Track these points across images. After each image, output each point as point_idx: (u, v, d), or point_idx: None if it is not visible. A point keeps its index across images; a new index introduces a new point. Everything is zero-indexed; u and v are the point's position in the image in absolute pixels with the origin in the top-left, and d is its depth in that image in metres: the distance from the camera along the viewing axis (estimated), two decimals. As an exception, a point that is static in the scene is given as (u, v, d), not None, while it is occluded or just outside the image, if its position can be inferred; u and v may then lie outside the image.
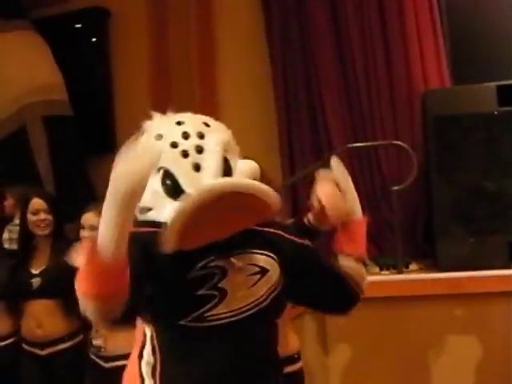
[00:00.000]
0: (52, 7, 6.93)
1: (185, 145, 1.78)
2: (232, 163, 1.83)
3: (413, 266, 4.97)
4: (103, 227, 1.55)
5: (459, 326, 4.56)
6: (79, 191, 5.95)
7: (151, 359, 1.88)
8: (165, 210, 1.74)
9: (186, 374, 1.83)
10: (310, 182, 2.09)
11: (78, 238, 3.76)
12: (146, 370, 1.89)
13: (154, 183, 1.78)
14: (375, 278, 4.72)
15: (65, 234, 4.01)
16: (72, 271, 3.74)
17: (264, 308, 1.88)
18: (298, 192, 5.77)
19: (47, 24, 6.77)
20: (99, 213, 3.66)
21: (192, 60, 6.53)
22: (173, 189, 1.77)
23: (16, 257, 4.01)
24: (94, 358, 3.56)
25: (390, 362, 4.58)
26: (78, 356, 3.75)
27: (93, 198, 6.14)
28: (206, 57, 6.48)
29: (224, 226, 1.74)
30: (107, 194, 1.52)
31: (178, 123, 1.84)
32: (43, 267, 3.89)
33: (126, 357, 3.42)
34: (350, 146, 5.49)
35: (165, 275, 1.76)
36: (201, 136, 1.81)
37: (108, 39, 6.93)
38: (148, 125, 1.89)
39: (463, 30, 5.50)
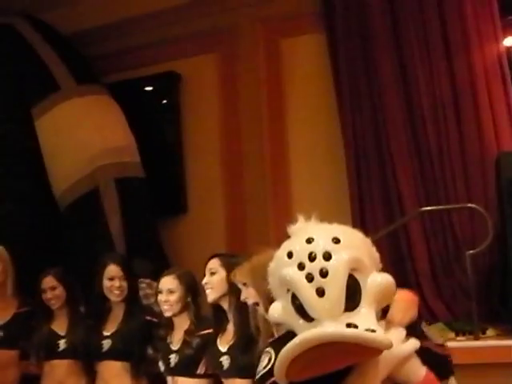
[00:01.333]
0: (125, 72, 7.13)
1: (310, 267, 1.77)
2: (361, 281, 1.80)
3: (490, 332, 4.82)
4: None
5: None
6: (151, 253, 6.00)
7: None
8: (295, 329, 1.80)
9: None
10: None
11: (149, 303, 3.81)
12: None
13: (285, 300, 1.83)
14: (451, 345, 4.58)
15: (138, 297, 4.06)
16: (141, 335, 3.77)
17: None
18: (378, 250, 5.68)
19: (120, 88, 6.96)
20: (177, 276, 3.70)
21: (262, 122, 6.60)
22: (302, 309, 1.78)
23: (91, 318, 4.07)
24: None
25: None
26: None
27: (163, 257, 6.21)
28: (277, 120, 6.54)
29: (334, 364, 1.74)
30: None
31: (308, 241, 1.82)
32: (114, 329, 3.93)
33: None
34: (423, 209, 5.43)
35: None
36: (327, 257, 1.78)
37: (179, 102, 7.07)
38: (291, 232, 1.93)
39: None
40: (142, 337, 3.90)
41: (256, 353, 3.00)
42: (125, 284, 3.96)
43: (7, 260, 4.33)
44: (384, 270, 1.90)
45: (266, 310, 2.09)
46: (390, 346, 1.71)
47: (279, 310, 1.85)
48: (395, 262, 5.67)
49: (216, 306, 3.42)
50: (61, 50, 6.62)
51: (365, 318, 1.75)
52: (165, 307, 3.65)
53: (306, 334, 1.69)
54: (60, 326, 4.17)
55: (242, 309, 3.22)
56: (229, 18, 6.84)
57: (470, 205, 5.27)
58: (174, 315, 3.67)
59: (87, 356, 4.02)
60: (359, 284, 1.79)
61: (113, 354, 3.91)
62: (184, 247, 6.59)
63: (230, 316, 3.35)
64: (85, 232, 6.12)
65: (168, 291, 3.63)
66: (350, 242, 1.85)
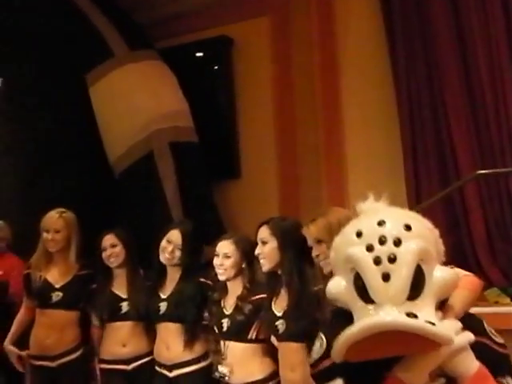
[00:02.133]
0: (177, 38, 7.14)
1: (379, 251, 1.76)
2: (427, 272, 1.79)
3: (545, 297, 4.76)
4: None
5: None
6: (205, 215, 6.05)
7: None
8: (353, 310, 1.80)
9: None
10: None
11: (207, 265, 3.85)
12: None
13: (347, 278, 1.82)
14: (507, 310, 4.56)
15: (195, 261, 4.09)
16: (195, 297, 3.80)
17: None
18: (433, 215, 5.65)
19: (173, 53, 6.99)
20: (234, 242, 3.72)
21: (316, 85, 6.56)
22: (363, 290, 1.77)
23: (149, 280, 4.14)
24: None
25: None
26: (202, 380, 3.80)
27: (218, 221, 6.25)
28: (330, 84, 6.49)
29: (393, 349, 1.74)
30: None
31: (379, 223, 1.82)
32: (170, 292, 3.99)
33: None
34: (479, 172, 5.33)
35: None
36: (397, 242, 1.77)
37: (231, 66, 7.07)
38: (360, 210, 1.93)
39: None
40: (195, 299, 3.94)
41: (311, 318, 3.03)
42: (179, 253, 3.97)
43: (74, 226, 4.39)
44: (440, 235, 1.90)
45: None
46: (450, 342, 1.71)
47: (339, 287, 1.84)
48: (450, 227, 5.61)
49: (270, 272, 3.43)
50: (114, 16, 6.66)
51: (425, 310, 1.75)
52: (219, 271, 3.68)
53: (368, 320, 1.68)
54: (121, 288, 4.23)
55: (298, 274, 3.24)
56: (280, -21, 6.80)
57: (527, 168, 5.18)
58: (228, 280, 3.70)
59: (148, 318, 4.10)
60: (424, 275, 1.78)
61: (169, 317, 3.96)
62: (238, 211, 6.63)
63: (284, 281, 3.36)
64: (140, 197, 6.21)
65: (224, 255, 3.66)
66: (421, 231, 1.84)
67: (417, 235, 1.80)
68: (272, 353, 3.54)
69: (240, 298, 3.63)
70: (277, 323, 3.31)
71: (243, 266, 3.65)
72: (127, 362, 4.14)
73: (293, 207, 6.09)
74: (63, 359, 4.28)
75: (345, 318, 1.84)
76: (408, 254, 1.75)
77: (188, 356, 3.91)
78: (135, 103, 6.24)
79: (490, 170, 5.40)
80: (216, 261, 3.69)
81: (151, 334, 4.11)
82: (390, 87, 6.14)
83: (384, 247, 1.75)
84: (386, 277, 1.73)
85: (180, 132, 6.38)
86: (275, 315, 3.34)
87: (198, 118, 6.62)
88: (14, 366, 4.35)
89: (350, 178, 6.26)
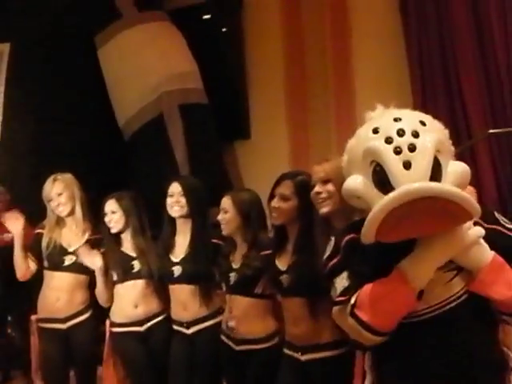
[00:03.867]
0: (187, -1, 7.09)
1: (399, 142, 1.84)
2: (443, 164, 1.87)
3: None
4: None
5: None
6: (215, 177, 6.05)
7: (370, 356, 2.09)
8: (372, 202, 1.85)
9: (397, 371, 1.96)
10: None
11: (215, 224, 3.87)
12: (368, 365, 2.10)
13: (365, 173, 1.90)
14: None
15: (204, 218, 4.10)
16: (209, 258, 3.83)
17: (463, 303, 1.92)
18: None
19: (181, 14, 6.93)
20: (230, 197, 3.74)
21: (326, 44, 6.50)
22: (382, 182, 1.85)
23: (160, 241, 4.15)
24: (225, 339, 3.68)
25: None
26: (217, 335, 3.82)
27: (228, 182, 6.25)
28: (341, 43, 6.42)
29: (423, 227, 1.80)
30: None
31: (395, 120, 1.91)
32: (183, 255, 4.01)
33: (256, 341, 3.56)
34: (492, 131, 5.30)
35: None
36: (415, 134, 1.85)
37: (241, 27, 7.02)
38: (368, 116, 2.05)
39: None
40: (209, 261, 3.96)
41: (316, 271, 3.04)
42: (183, 200, 3.99)
43: (74, 186, 4.40)
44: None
45: None
46: (478, 212, 1.79)
47: (357, 181, 1.92)
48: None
49: (278, 226, 3.42)
50: (122, -23, 6.59)
51: None
52: (222, 226, 3.73)
53: (407, 186, 1.75)
54: (130, 250, 4.25)
55: (309, 232, 3.23)
56: None
57: (539, 126, 5.13)
58: (232, 234, 3.73)
59: (160, 279, 4.12)
60: (441, 166, 1.86)
61: (184, 279, 3.98)
62: (248, 172, 6.64)
63: (292, 236, 3.35)
64: (151, 159, 6.23)
65: (223, 210, 3.71)
66: (435, 126, 1.95)
67: (432, 130, 1.91)
68: (276, 311, 3.56)
69: (246, 253, 3.65)
70: (280, 278, 3.33)
71: (240, 220, 3.67)
72: (140, 323, 4.16)
73: (303, 168, 6.06)
74: (73, 321, 4.30)
75: (355, 223, 2.01)
76: (427, 143, 1.85)
77: (205, 312, 3.96)
78: (144, 65, 6.22)
79: (502, 129, 5.35)
80: (218, 216, 3.73)
81: (163, 294, 4.15)
82: (401, 47, 6.09)
83: (403, 138, 1.85)
84: (407, 164, 1.81)
85: (189, 94, 6.36)
86: (279, 270, 3.35)
87: (207, 80, 6.58)
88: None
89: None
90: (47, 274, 4.36)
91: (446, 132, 1.97)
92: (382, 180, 1.84)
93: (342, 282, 1.98)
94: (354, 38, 6.40)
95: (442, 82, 5.82)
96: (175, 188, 4.04)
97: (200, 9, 7.12)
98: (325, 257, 2.09)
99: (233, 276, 3.70)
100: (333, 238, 2.10)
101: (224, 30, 7.16)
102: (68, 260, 4.31)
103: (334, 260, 2.03)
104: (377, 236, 1.80)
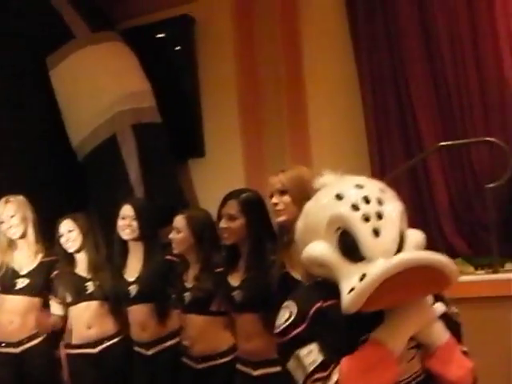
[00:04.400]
0: (138, 18, 7.08)
1: (366, 209, 1.83)
2: (404, 232, 1.88)
3: (508, 265, 4.81)
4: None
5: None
6: (170, 196, 6.07)
7: None
8: (338, 270, 1.83)
9: None
10: None
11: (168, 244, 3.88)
12: None
13: (329, 240, 1.86)
14: (470, 278, 4.61)
15: (156, 239, 4.11)
16: (163, 275, 3.84)
17: (421, 382, 1.91)
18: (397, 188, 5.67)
19: (134, 34, 6.92)
20: (186, 217, 3.77)
21: (279, 63, 6.52)
22: (350, 250, 1.82)
23: (114, 262, 4.14)
24: (185, 359, 3.68)
25: (488, 363, 4.43)
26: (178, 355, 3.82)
27: (183, 201, 6.25)
28: (293, 60, 6.47)
29: (404, 295, 1.79)
30: None
31: (357, 186, 1.89)
32: (138, 274, 4.00)
33: (216, 357, 3.58)
34: (443, 144, 5.35)
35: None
36: (380, 202, 1.86)
37: (194, 46, 7.01)
38: (322, 182, 2.01)
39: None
40: (165, 278, 3.97)
41: (268, 286, 3.06)
42: (135, 223, 4.00)
43: (26, 208, 4.38)
44: (404, 206, 1.98)
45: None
46: (457, 278, 1.79)
47: (322, 249, 1.87)
48: (414, 198, 5.67)
49: (229, 246, 3.44)
50: (73, -2, 6.57)
51: None
52: (173, 245, 3.75)
53: (401, 256, 1.75)
54: (84, 271, 4.23)
55: (260, 249, 3.25)
56: (241, -44, 6.76)
57: (488, 138, 5.19)
58: (184, 254, 3.75)
59: (114, 302, 4.10)
60: (404, 234, 1.87)
61: (141, 299, 3.98)
62: (203, 190, 6.63)
63: (244, 253, 3.37)
64: (105, 179, 6.18)
65: (176, 230, 3.72)
66: (393, 194, 1.95)
67: (392, 197, 1.92)
68: (233, 326, 3.57)
69: (199, 273, 3.66)
70: (233, 294, 3.34)
71: (194, 240, 3.69)
72: (93, 344, 4.14)
73: (258, 185, 6.09)
74: (27, 344, 4.27)
75: (317, 288, 1.93)
76: (393, 212, 1.85)
77: (164, 332, 3.98)
78: (97, 85, 6.18)
79: (451, 142, 5.40)
80: (171, 235, 3.75)
81: (119, 315, 4.12)
82: (351, 63, 6.13)
83: (370, 205, 1.84)
84: (376, 232, 1.80)
85: (142, 113, 6.34)
86: (232, 286, 3.36)
87: (161, 99, 6.57)
88: None
89: (314, 155, 6.26)
90: (0, 297, 4.32)
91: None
92: (349, 248, 1.82)
93: (310, 355, 1.84)
94: (307, 57, 6.43)
95: (394, 98, 5.88)
96: (127, 211, 4.06)
97: (154, 28, 7.12)
98: (283, 322, 1.93)
99: (187, 296, 3.71)
100: (291, 302, 1.95)
101: (178, 48, 7.17)
102: (20, 283, 4.29)
103: (299, 329, 1.87)
104: (363, 306, 1.75)
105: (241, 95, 6.68)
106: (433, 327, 1.89)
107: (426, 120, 5.72)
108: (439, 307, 1.93)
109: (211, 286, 3.55)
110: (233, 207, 3.37)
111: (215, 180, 6.42)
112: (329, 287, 1.86)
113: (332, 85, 6.29)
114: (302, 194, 2.79)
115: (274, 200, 3.10)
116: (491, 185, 4.83)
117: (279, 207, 3.07)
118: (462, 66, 5.63)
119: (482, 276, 4.69)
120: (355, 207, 1.83)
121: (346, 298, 1.76)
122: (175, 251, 3.76)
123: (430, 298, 1.91)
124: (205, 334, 3.64)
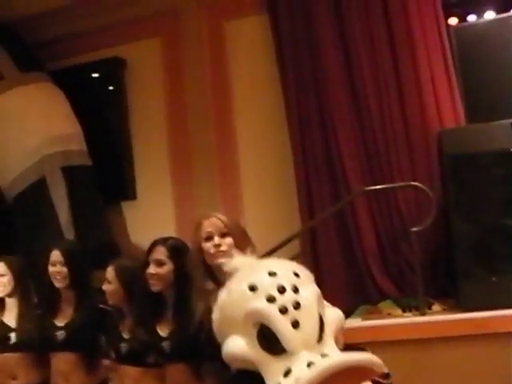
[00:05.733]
0: (69, 59, 7.05)
1: (282, 300, 1.78)
2: (323, 315, 1.84)
3: (436, 307, 4.93)
4: None
5: (484, 366, 4.49)
6: (100, 239, 6.02)
7: None
8: (261, 365, 1.77)
9: None
10: None
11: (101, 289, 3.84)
12: None
13: (248, 335, 1.81)
14: (398, 321, 4.71)
15: (88, 284, 4.06)
16: (94, 324, 3.79)
17: None
18: (325, 230, 5.79)
19: (64, 75, 6.88)
20: (116, 268, 3.72)
21: (208, 104, 6.61)
22: (271, 344, 1.77)
23: (41, 308, 4.06)
24: None
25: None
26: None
27: (113, 244, 6.20)
28: (222, 102, 6.56)
29: None
30: None
31: (270, 274, 1.83)
32: (67, 320, 3.93)
33: None
34: (367, 188, 5.48)
35: None
36: (295, 290, 1.81)
37: (124, 88, 7.02)
38: (234, 266, 1.94)
39: (475, 71, 5.25)
40: (96, 326, 3.91)
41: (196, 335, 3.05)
42: (65, 269, 3.94)
43: None
44: (332, 249, 2.00)
45: None
46: (383, 370, 1.76)
47: (241, 346, 1.81)
48: (342, 241, 5.75)
49: (155, 295, 3.44)
50: (2, 38, 6.51)
51: (332, 348, 1.81)
52: (106, 296, 3.74)
53: (325, 362, 1.67)
54: (11, 318, 4.13)
55: (187, 297, 3.26)
56: (172, 1, 6.81)
57: (412, 183, 5.35)
58: (118, 305, 3.72)
59: (40, 348, 4.00)
60: (322, 317, 1.84)
61: (68, 346, 3.90)
62: (136, 232, 6.59)
63: (170, 302, 3.37)
64: (34, 222, 6.09)
65: (107, 281, 3.72)
66: (307, 275, 1.91)
67: (306, 280, 1.87)
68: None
69: (134, 324, 3.63)
70: (162, 344, 3.33)
71: (124, 292, 3.67)
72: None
73: (189, 228, 6.09)
74: None
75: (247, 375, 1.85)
76: (309, 299, 1.81)
77: None
78: (25, 127, 6.12)
79: (376, 187, 5.54)
80: (104, 286, 3.73)
81: (43, 365, 4.03)
82: (281, 107, 6.22)
83: (285, 296, 1.78)
84: (295, 324, 1.76)
85: (72, 156, 6.30)
86: (160, 337, 3.36)
87: (91, 141, 6.55)
88: None
89: (244, 197, 6.33)
90: None
91: (312, 276, 1.95)
92: (270, 341, 1.77)
93: None
94: (235, 96, 6.54)
95: (321, 142, 5.94)
96: (56, 257, 4.00)
97: (84, 69, 7.10)
98: None
99: (124, 346, 3.66)
100: None
101: (109, 89, 7.16)
102: None
103: None
104: None
105: (171, 137, 6.72)
106: None
107: (353, 164, 5.81)
108: None
109: (147, 337, 3.52)
110: (161, 253, 3.39)
111: (147, 222, 6.41)
112: (254, 375, 1.81)
113: (261, 127, 6.38)
114: (243, 237, 2.84)
115: (217, 241, 3.09)
116: (415, 228, 4.97)
117: (223, 248, 3.06)
118: (388, 111, 5.75)
119: (409, 319, 4.78)
120: (271, 299, 1.77)
121: None
122: (109, 303, 3.73)
123: None
124: None
